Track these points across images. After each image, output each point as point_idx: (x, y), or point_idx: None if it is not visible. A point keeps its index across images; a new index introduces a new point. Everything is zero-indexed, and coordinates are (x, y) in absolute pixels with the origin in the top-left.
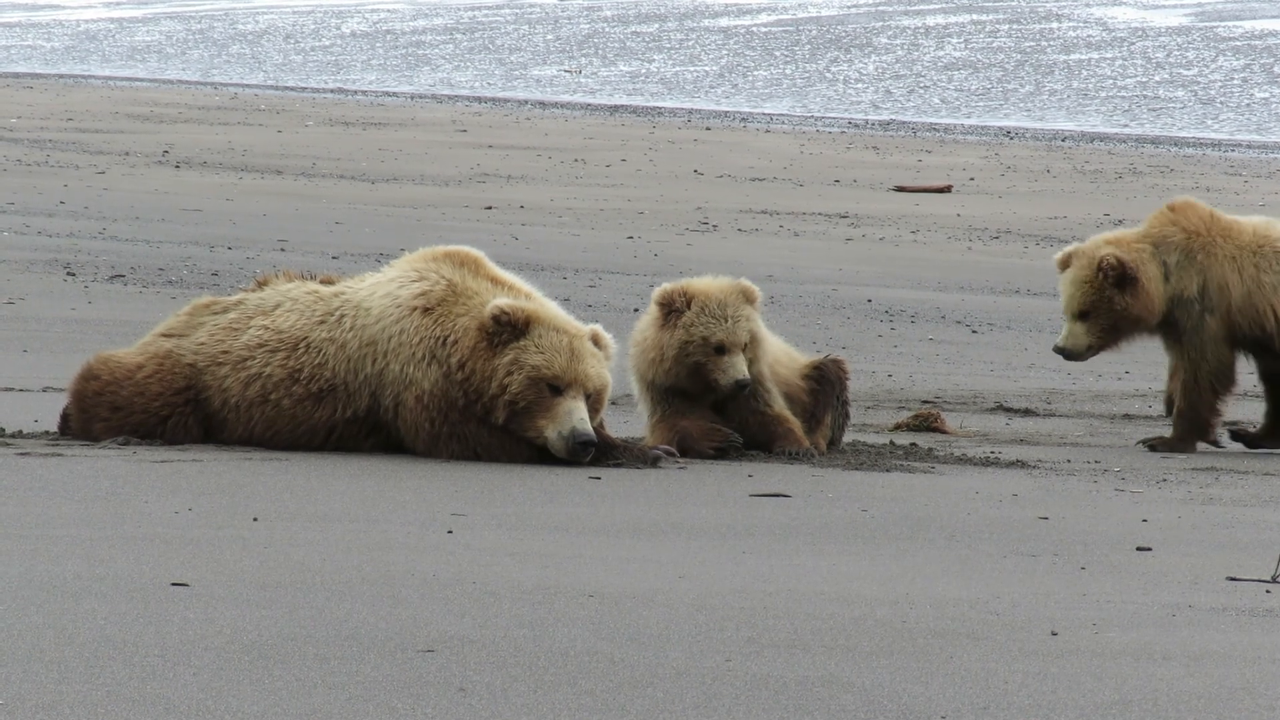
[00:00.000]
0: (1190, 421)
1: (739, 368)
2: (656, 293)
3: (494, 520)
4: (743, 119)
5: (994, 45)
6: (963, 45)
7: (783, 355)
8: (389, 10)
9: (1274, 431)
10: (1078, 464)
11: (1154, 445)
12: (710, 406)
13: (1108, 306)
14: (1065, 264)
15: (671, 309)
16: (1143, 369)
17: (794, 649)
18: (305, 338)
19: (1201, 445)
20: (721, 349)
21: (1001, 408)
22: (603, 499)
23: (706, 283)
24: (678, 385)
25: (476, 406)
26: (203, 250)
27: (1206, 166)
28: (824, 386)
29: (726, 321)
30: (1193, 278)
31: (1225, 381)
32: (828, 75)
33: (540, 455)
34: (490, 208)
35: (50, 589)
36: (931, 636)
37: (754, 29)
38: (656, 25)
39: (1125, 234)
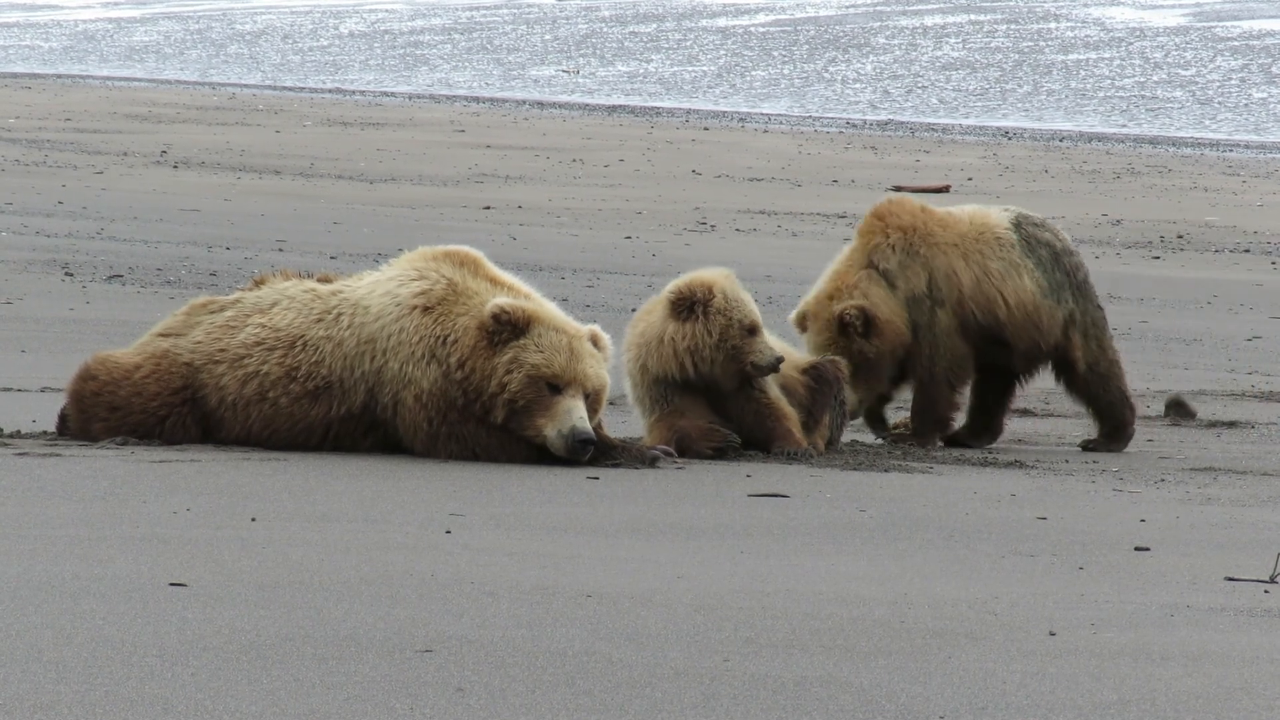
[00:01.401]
0: (928, 417)
1: (772, 346)
2: (671, 289)
3: (492, 520)
4: (741, 119)
5: (992, 45)
6: (960, 45)
7: (782, 353)
8: (387, 10)
9: (979, 430)
10: (1075, 464)
11: (898, 438)
12: (708, 402)
13: (863, 358)
14: (802, 326)
15: (694, 300)
16: (1140, 369)
17: (792, 649)
18: (302, 335)
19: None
20: (754, 330)
21: None
22: (601, 499)
23: (710, 272)
24: (711, 374)
25: (475, 406)
26: (201, 250)
27: (1204, 166)
28: (822, 386)
29: (747, 304)
30: (919, 273)
31: (961, 374)
32: (826, 75)
33: (539, 455)
34: (488, 208)
35: (48, 589)
36: (930, 636)
37: (752, 29)
38: (654, 25)
39: (839, 272)
